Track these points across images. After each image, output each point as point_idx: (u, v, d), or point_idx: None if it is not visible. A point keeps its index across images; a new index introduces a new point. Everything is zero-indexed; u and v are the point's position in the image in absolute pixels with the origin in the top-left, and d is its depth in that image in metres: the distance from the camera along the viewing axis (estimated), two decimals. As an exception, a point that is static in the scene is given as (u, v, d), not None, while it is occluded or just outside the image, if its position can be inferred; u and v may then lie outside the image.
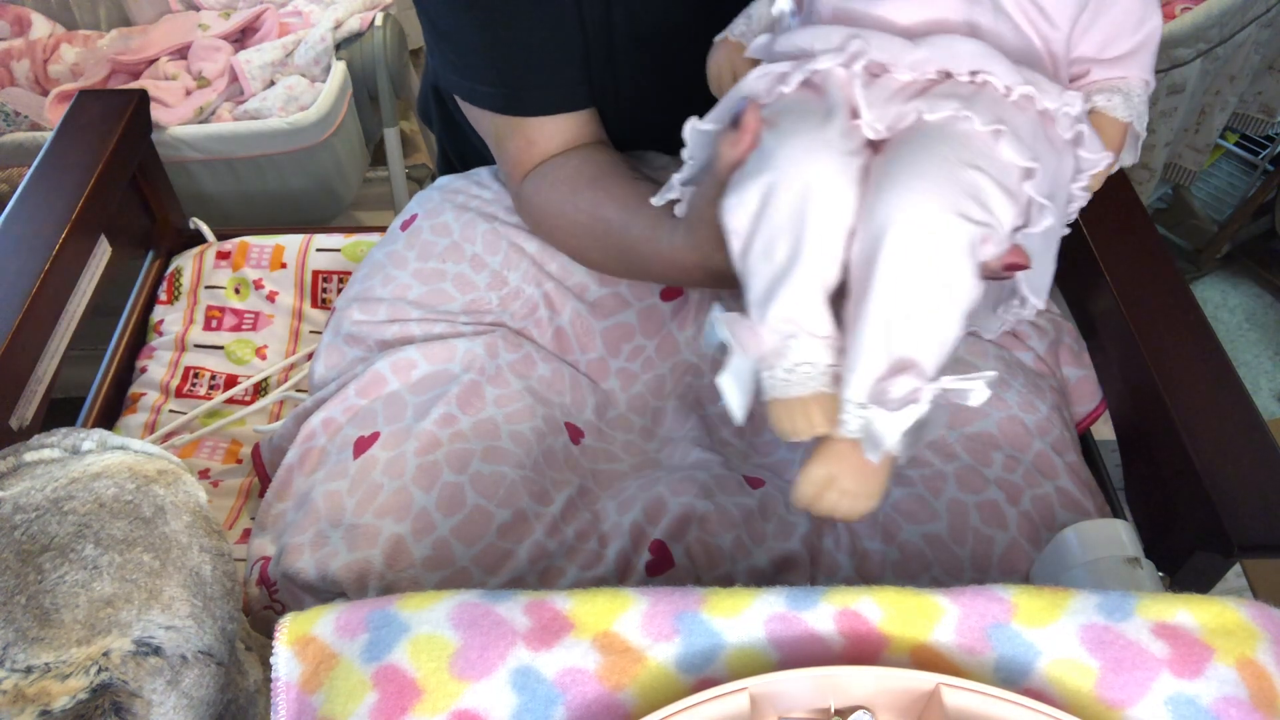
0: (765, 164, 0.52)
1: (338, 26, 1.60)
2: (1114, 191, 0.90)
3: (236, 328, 1.16)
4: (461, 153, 1.03)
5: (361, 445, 0.77)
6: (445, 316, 0.86)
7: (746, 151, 0.55)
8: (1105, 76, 0.62)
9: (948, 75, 0.55)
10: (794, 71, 0.55)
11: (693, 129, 0.61)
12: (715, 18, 0.79)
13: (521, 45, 0.78)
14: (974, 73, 0.55)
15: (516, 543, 0.72)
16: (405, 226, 0.92)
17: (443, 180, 0.96)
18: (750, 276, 0.54)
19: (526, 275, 0.88)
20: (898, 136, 0.53)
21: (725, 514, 0.72)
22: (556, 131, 0.83)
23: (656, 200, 0.67)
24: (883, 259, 0.50)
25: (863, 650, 0.47)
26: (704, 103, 0.68)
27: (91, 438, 0.64)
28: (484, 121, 0.86)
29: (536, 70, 0.80)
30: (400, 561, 0.70)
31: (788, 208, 0.51)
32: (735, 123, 0.56)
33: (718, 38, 0.66)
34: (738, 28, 0.65)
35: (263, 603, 0.74)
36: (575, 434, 0.82)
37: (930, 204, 0.49)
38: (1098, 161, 0.59)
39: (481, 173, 0.96)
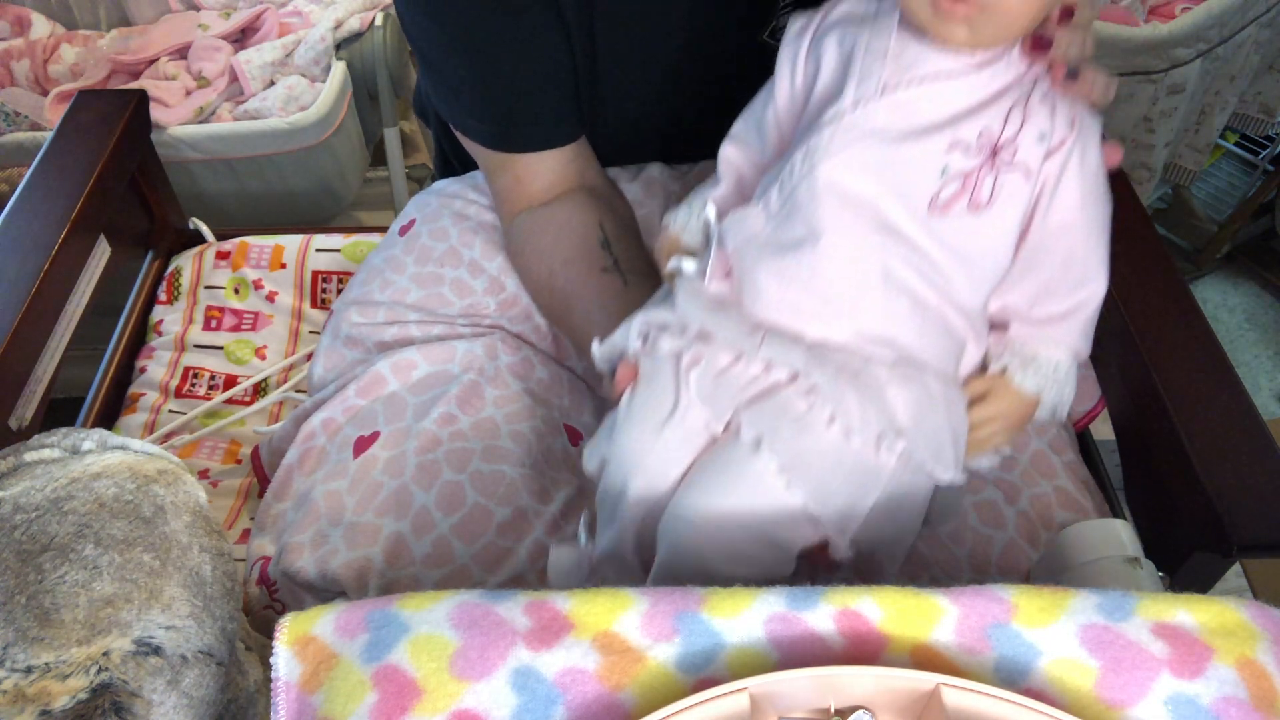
0: (611, 439, 0.60)
1: (338, 26, 1.60)
2: (1114, 191, 0.90)
3: (236, 328, 1.16)
4: (460, 153, 1.03)
5: (361, 445, 0.77)
6: (444, 319, 0.86)
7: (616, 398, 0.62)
8: (1027, 335, 0.60)
9: (794, 377, 0.57)
10: (657, 340, 0.60)
11: (595, 347, 0.65)
12: (695, 46, 0.79)
13: (511, 83, 0.78)
14: (810, 390, 0.56)
15: (516, 541, 0.72)
16: (404, 231, 0.92)
17: (439, 184, 0.96)
18: (597, 505, 0.63)
19: None
20: (722, 443, 0.58)
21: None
22: (545, 169, 0.83)
23: (595, 351, 0.68)
24: (662, 561, 0.59)
25: (863, 650, 0.47)
26: (689, 122, 0.70)
27: (91, 438, 0.64)
28: (473, 148, 0.86)
29: (526, 108, 0.80)
30: (400, 559, 0.70)
31: (615, 482, 0.60)
32: (612, 374, 0.63)
33: (665, 220, 0.68)
34: (679, 218, 0.66)
35: (263, 602, 0.74)
36: (574, 436, 0.82)
37: (702, 549, 0.56)
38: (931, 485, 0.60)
39: (478, 176, 0.96)
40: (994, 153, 0.54)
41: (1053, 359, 0.60)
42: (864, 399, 0.55)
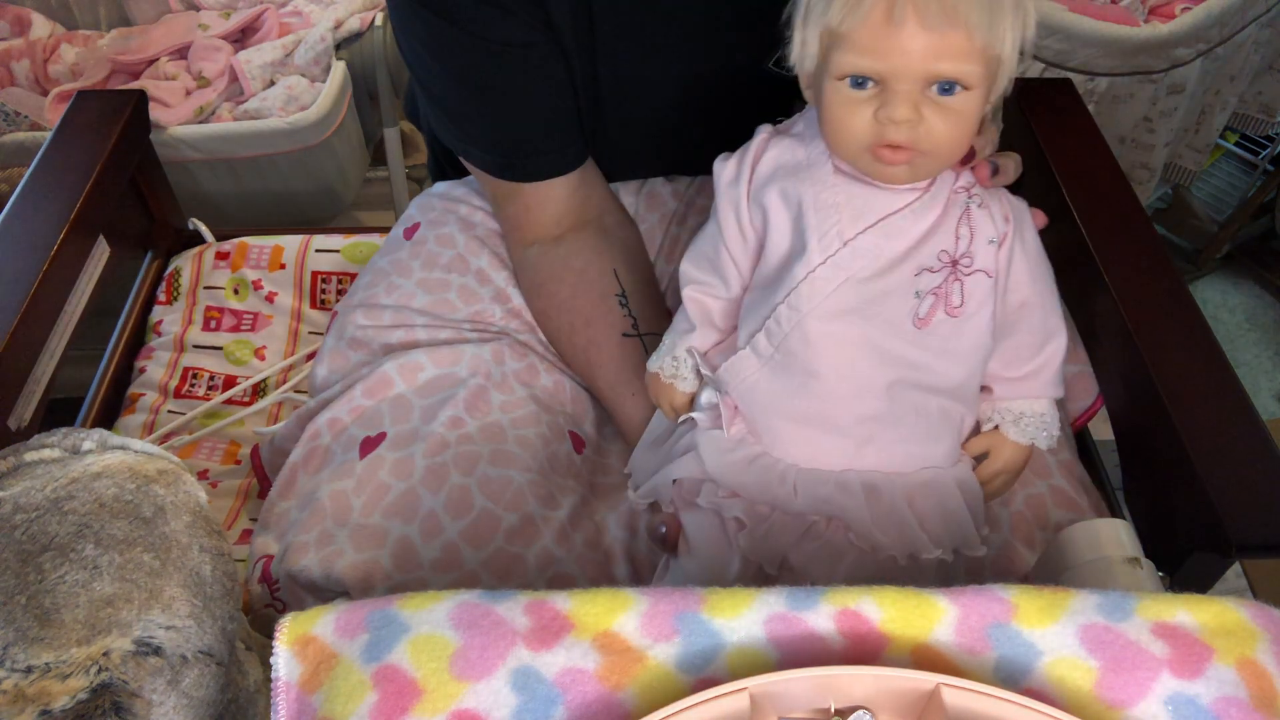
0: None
1: (338, 26, 1.60)
2: (1113, 191, 0.90)
3: (235, 328, 1.16)
4: (454, 158, 1.03)
5: (368, 445, 0.77)
6: (450, 324, 0.86)
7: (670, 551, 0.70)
8: (1009, 394, 0.68)
9: (829, 520, 0.64)
10: (694, 493, 0.67)
11: (631, 490, 0.74)
12: (697, 71, 0.79)
13: (515, 116, 0.78)
14: (847, 528, 0.63)
15: (524, 547, 0.72)
16: (408, 235, 0.92)
17: (441, 187, 0.96)
18: None
19: None
20: (783, 582, 0.65)
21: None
22: (554, 198, 0.83)
23: (631, 494, 0.76)
24: None
25: (863, 650, 0.47)
26: (692, 141, 0.70)
27: (91, 438, 0.64)
28: (479, 175, 0.86)
29: (531, 138, 0.80)
30: (408, 563, 0.70)
31: None
32: (663, 535, 0.69)
33: (650, 370, 0.72)
34: (667, 369, 0.70)
35: (264, 600, 0.74)
36: (578, 443, 0.82)
37: None
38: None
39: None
40: (954, 264, 0.61)
41: (1036, 410, 0.68)
42: (896, 524, 0.62)
